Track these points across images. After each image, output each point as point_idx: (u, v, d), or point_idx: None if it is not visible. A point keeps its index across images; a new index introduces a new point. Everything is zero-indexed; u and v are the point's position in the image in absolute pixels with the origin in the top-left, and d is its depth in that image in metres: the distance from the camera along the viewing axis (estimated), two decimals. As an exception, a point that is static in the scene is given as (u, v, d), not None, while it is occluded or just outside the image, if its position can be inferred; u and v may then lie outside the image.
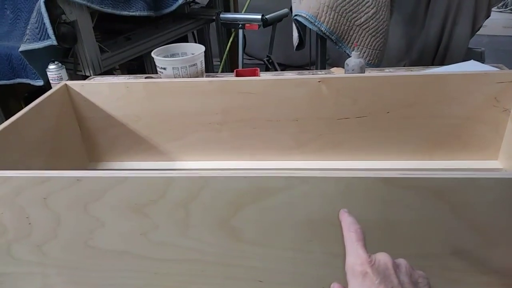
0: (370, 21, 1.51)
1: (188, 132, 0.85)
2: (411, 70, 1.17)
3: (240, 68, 2.12)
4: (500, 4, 3.52)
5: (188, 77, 1.11)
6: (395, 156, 0.84)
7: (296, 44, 1.77)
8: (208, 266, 0.58)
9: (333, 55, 2.60)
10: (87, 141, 0.88)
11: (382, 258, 0.37)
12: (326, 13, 1.49)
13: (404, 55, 2.17)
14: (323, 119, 0.81)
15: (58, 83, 1.28)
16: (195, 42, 2.36)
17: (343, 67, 1.17)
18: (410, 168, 0.82)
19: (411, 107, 0.79)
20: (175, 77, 1.10)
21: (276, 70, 2.32)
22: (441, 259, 0.53)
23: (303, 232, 0.53)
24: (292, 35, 1.79)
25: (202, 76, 1.18)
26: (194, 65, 1.18)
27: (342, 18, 1.51)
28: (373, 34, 1.54)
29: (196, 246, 0.56)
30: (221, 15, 2.11)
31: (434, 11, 2.01)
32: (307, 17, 1.50)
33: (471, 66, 1.17)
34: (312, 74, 1.25)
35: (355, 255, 0.38)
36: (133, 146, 0.88)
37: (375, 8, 1.49)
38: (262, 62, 2.42)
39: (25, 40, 1.51)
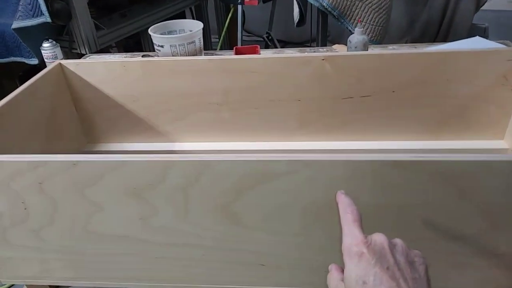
0: (373, -4, 1.46)
1: (188, 113, 0.83)
2: (415, 47, 1.14)
3: (239, 45, 2.08)
4: (505, -22, 3.42)
5: (186, 55, 1.08)
6: (399, 136, 0.82)
7: (297, 20, 1.73)
8: (208, 251, 0.57)
9: (334, 32, 2.54)
10: (84, 122, 0.86)
11: (378, 238, 0.37)
12: (329, -13, 1.44)
13: (406, 31, 2.12)
14: (326, 99, 0.79)
15: (53, 61, 1.24)
16: (193, 18, 2.31)
17: (345, 44, 1.13)
18: (416, 149, 0.80)
19: (417, 86, 0.76)
20: (172, 55, 1.07)
21: (276, 47, 2.27)
22: (448, 242, 0.52)
23: (306, 217, 0.52)
24: (292, 11, 1.75)
25: (201, 54, 1.14)
26: (192, 42, 1.15)
27: (344, -7, 1.46)
28: (376, 10, 1.50)
29: (196, 230, 0.55)
30: (220, -10, 2.06)
31: (438, -14, 1.95)
32: (308, -9, 1.46)
33: (477, 42, 1.14)
34: (314, 51, 1.21)
35: (351, 236, 0.38)
36: (131, 127, 0.86)
37: (378, -18, 1.45)
38: (262, 39, 2.37)
39: (17, 17, 1.47)
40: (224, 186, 0.50)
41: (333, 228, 0.52)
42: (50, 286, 0.73)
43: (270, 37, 2.29)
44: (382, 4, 1.50)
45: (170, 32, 1.23)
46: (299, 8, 1.70)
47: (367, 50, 1.07)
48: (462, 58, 0.73)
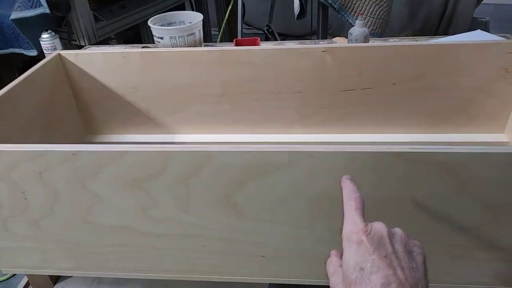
0: (374, -12, 1.45)
1: (187, 105, 0.83)
2: (416, 40, 1.13)
3: (239, 37, 2.07)
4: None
5: (186, 47, 1.07)
6: (400, 129, 0.81)
7: (297, 12, 1.71)
8: (210, 242, 0.57)
9: (334, 25, 2.53)
10: (83, 113, 0.86)
11: (378, 226, 0.38)
12: (329, -21, 1.43)
13: (407, 24, 2.11)
14: (326, 91, 0.78)
15: (52, 53, 1.23)
16: (193, 10, 2.29)
17: (345, 37, 1.13)
18: (416, 142, 0.80)
19: (418, 79, 0.76)
20: (172, 47, 1.06)
21: (276, 39, 2.26)
22: (449, 235, 0.52)
23: (308, 209, 0.52)
24: (293, 4, 1.73)
25: (200, 46, 1.14)
26: (192, 34, 1.15)
27: (345, -15, 1.45)
28: (377, 2, 1.49)
29: (197, 222, 0.55)
30: (220, -18, 2.04)
31: (440, -21, 1.94)
32: (309, -16, 1.44)
33: (478, 36, 1.13)
34: (315, 44, 1.21)
35: (352, 223, 0.38)
36: (131, 119, 0.85)
37: (379, -26, 1.44)
38: (262, 32, 2.36)
39: (15, 8, 1.45)
40: (225, 177, 0.50)
41: (335, 220, 0.52)
42: (50, 276, 0.73)
43: (270, 30, 2.27)
44: None
45: (169, 24, 1.22)
46: (299, 1, 1.69)
47: (368, 42, 1.06)
48: (463, 51, 0.73)
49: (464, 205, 0.49)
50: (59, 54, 0.79)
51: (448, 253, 0.54)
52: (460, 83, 0.76)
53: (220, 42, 2.31)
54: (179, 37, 1.11)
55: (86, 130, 0.88)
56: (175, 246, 0.58)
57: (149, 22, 1.16)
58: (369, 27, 1.50)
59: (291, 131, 0.84)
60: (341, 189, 0.43)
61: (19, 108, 0.69)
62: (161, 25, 1.17)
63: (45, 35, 1.32)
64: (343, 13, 1.52)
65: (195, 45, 1.11)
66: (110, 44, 1.87)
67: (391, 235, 0.37)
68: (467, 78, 0.75)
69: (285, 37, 2.80)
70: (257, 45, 1.06)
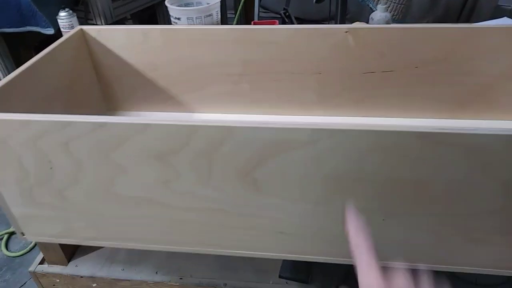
0: (396, -28, 1.43)
1: (207, 83, 0.83)
2: (439, 26, 1.11)
3: (256, 20, 2.05)
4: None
5: (205, 26, 1.07)
6: (420, 113, 0.81)
7: (316, -1, 1.69)
8: (229, 216, 0.58)
9: (353, 10, 2.49)
10: (104, 89, 0.87)
11: (401, 282, 0.34)
12: (351, -38, 1.40)
13: (428, 11, 2.06)
14: (347, 73, 0.78)
15: (69, 31, 1.24)
16: (209, -8, 2.27)
17: (364, 22, 1.12)
18: (437, 127, 0.79)
19: (441, 62, 0.75)
20: (191, 27, 1.06)
21: (293, 23, 2.24)
22: (469, 218, 0.52)
23: (327, 187, 0.52)
24: (312, -13, 1.71)
25: (219, 27, 1.14)
26: (209, 15, 1.14)
27: (367, -32, 1.43)
28: None
29: (217, 196, 0.56)
30: (238, -37, 2.01)
31: (463, -37, 1.89)
32: (330, -34, 1.42)
33: (504, 24, 1.11)
34: (334, 27, 1.20)
35: (368, 277, 0.35)
36: (151, 96, 0.86)
37: (402, -43, 1.41)
38: (279, 15, 2.33)
39: (34, -15, 1.46)
40: (246, 153, 0.51)
41: (357, 200, 0.53)
42: (64, 253, 0.76)
43: (287, 14, 2.24)
44: None
45: (187, 5, 1.22)
46: (319, -15, 1.66)
47: (389, 26, 1.05)
48: (488, 35, 0.71)
49: (484, 188, 0.49)
50: (81, 29, 0.80)
51: (467, 236, 0.54)
52: (484, 68, 0.75)
53: (236, 24, 2.30)
54: (196, 18, 1.11)
55: (107, 106, 0.90)
56: (195, 219, 0.59)
57: (166, 2, 1.15)
58: (390, 12, 1.48)
59: (310, 112, 0.84)
60: (347, 221, 0.39)
61: (42, 81, 0.70)
62: (179, 6, 1.17)
63: (62, 13, 1.32)
64: (366, 0, 1.50)
65: (213, 26, 1.11)
66: (126, 24, 1.88)
67: None
68: (491, 63, 0.74)
69: (302, 21, 2.77)
70: (277, 26, 1.06)
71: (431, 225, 0.54)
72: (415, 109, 0.81)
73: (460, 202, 0.51)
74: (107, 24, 1.53)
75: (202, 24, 1.09)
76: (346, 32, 0.74)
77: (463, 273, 0.78)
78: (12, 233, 1.60)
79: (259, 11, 2.13)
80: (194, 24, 1.09)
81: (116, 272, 0.82)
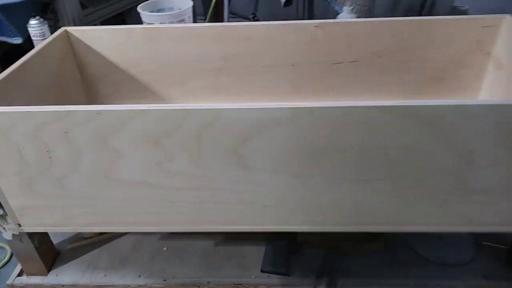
0: (358, -25, 1.52)
1: (188, 78, 0.88)
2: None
3: (226, 24, 2.10)
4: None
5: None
6: (385, 98, 0.89)
7: (284, 0, 1.77)
8: (218, 193, 0.63)
9: (319, 13, 2.59)
10: (88, 87, 0.90)
11: None
12: (315, -34, 1.49)
13: (390, 13, 2.19)
14: (318, 64, 0.85)
15: (41, 39, 1.25)
16: (178, -3, 2.32)
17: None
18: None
19: (400, 52, 0.84)
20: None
21: (261, 26, 2.31)
22: (431, 181, 0.60)
23: (305, 160, 0.59)
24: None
25: (195, 28, 1.18)
26: (182, 20, 1.18)
27: (330, -28, 1.51)
28: None
29: (207, 174, 0.61)
30: (206, -31, 2.06)
31: (420, -33, 2.01)
32: (295, -30, 1.50)
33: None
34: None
35: None
36: (135, 93, 0.90)
37: (363, -39, 1.50)
38: (247, 20, 2.40)
39: (0, -6, 1.44)
40: (234, 132, 0.57)
41: (330, 169, 0.60)
42: (44, 263, 0.77)
43: (256, 18, 2.32)
44: None
45: (159, 10, 1.25)
46: (286, -12, 1.74)
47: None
48: (441, 25, 0.80)
49: (441, 152, 0.57)
50: (65, 30, 0.83)
51: (430, 197, 0.62)
52: (438, 55, 0.84)
53: (206, 29, 2.34)
54: (169, 23, 1.15)
55: (91, 104, 0.93)
56: (187, 198, 0.64)
57: (138, 8, 1.18)
58: (355, 14, 1.57)
59: (286, 101, 0.90)
60: None
61: (34, 78, 0.73)
62: (151, 11, 1.20)
63: (33, 22, 1.29)
64: (329, 0, 1.59)
65: (187, 28, 1.16)
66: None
67: None
68: (444, 51, 0.83)
69: (269, 24, 2.84)
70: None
71: (397, 188, 0.61)
72: (381, 94, 0.89)
73: (422, 166, 0.59)
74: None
75: (176, 28, 1.14)
76: (316, 26, 0.81)
77: (432, 254, 0.87)
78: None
79: (228, 16, 2.19)
80: (167, 28, 1.13)
81: (98, 278, 0.83)
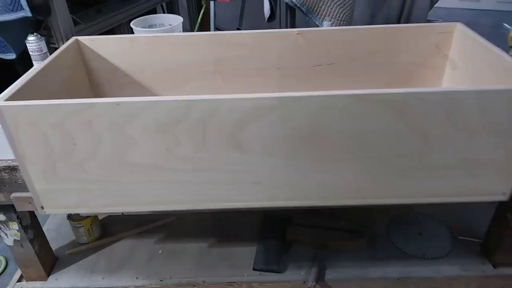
0: (338, -7, 1.66)
1: (186, 81, 0.99)
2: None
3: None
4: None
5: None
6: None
7: (268, 16, 1.90)
8: (218, 174, 0.73)
9: (301, 27, 2.74)
10: (96, 90, 1.00)
11: None
12: (297, -16, 1.63)
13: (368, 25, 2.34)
14: (300, 67, 0.98)
15: (39, 54, 1.33)
16: (166, 14, 2.43)
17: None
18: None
19: (371, 55, 0.97)
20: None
21: (245, 40, 2.43)
22: (398, 159, 0.71)
23: (292, 143, 0.70)
24: (262, 7, 1.92)
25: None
26: (172, 36, 1.28)
27: (312, -11, 1.65)
28: (341, 5, 1.69)
29: (210, 158, 0.71)
30: (193, -13, 2.18)
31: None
32: (279, -13, 1.63)
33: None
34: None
35: None
36: (138, 94, 1.00)
37: (342, -20, 1.65)
38: (232, 33, 2.53)
39: (-4, 12, 1.51)
40: (233, 119, 0.67)
41: (314, 152, 0.71)
42: (44, 268, 0.84)
43: (240, 32, 2.44)
44: (347, 0, 1.70)
45: (150, 26, 1.34)
46: (269, 4, 1.87)
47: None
48: (405, 32, 0.94)
49: (406, 134, 0.69)
50: (76, 39, 0.93)
51: (396, 173, 0.73)
52: (404, 59, 0.97)
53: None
54: (161, 38, 1.24)
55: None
56: (192, 179, 0.74)
57: (131, 24, 1.26)
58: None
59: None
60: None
61: (50, 83, 0.83)
62: (142, 27, 1.29)
63: (31, 38, 1.35)
64: (310, 15, 1.72)
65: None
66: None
67: None
68: (407, 54, 0.96)
69: (253, 38, 2.98)
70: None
71: (371, 166, 0.73)
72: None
73: (389, 147, 0.71)
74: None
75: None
76: (297, 34, 0.94)
77: (412, 249, 0.98)
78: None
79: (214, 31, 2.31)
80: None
81: (97, 281, 0.90)
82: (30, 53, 1.43)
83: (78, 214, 1.06)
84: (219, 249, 1.05)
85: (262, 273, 0.99)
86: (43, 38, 1.41)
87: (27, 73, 0.78)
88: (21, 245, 0.90)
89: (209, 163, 0.72)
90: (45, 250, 0.97)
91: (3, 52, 1.59)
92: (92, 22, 1.75)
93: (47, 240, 0.99)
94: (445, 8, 3.50)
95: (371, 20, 2.32)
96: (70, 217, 1.06)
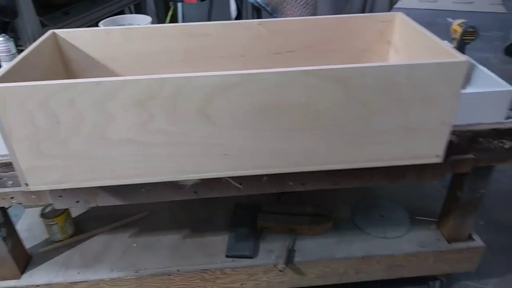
0: (300, -7, 1.78)
1: (157, 69, 1.08)
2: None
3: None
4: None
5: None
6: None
7: (235, 16, 1.99)
8: (189, 146, 0.82)
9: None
10: (72, 81, 1.07)
11: None
12: (261, -16, 1.73)
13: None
14: (262, 54, 1.08)
15: (7, 55, 1.38)
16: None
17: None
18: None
19: (325, 43, 1.08)
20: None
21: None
22: (348, 127, 0.82)
23: (255, 116, 0.80)
24: (229, 8, 2.01)
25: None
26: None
27: (276, -10, 1.76)
28: (303, 5, 1.80)
29: (181, 131, 0.80)
30: (161, -12, 2.26)
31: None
32: (243, -13, 1.73)
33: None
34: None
35: None
36: (112, 83, 1.08)
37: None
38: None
39: (-39, 13, 1.53)
40: (201, 95, 0.77)
41: (274, 124, 0.81)
42: (17, 265, 0.88)
43: (208, 31, 2.54)
44: (309, 1, 1.81)
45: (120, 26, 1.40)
46: (236, 4, 1.97)
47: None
48: (354, 21, 1.06)
49: (353, 105, 0.80)
50: (53, 32, 1.00)
51: (341, 140, 0.84)
52: (353, 45, 1.09)
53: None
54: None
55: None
56: (165, 153, 0.82)
57: (100, 24, 1.34)
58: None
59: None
60: None
61: (30, 72, 0.90)
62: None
63: (0, 39, 1.42)
64: (275, 15, 1.82)
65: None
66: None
67: None
68: (356, 41, 1.08)
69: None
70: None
71: (324, 135, 0.83)
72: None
73: (339, 116, 0.82)
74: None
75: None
76: (259, 24, 1.04)
77: (374, 230, 1.10)
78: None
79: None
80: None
81: (72, 276, 0.92)
82: (-1, 54, 1.46)
83: (51, 211, 1.11)
84: (193, 240, 1.10)
85: (235, 259, 1.06)
86: (11, 39, 1.45)
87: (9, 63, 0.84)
88: (-6, 243, 0.92)
89: (180, 136, 0.81)
90: (18, 248, 0.97)
91: None
92: (60, 24, 1.78)
93: (20, 238, 0.99)
94: (405, 8, 3.72)
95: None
96: (43, 214, 1.10)
